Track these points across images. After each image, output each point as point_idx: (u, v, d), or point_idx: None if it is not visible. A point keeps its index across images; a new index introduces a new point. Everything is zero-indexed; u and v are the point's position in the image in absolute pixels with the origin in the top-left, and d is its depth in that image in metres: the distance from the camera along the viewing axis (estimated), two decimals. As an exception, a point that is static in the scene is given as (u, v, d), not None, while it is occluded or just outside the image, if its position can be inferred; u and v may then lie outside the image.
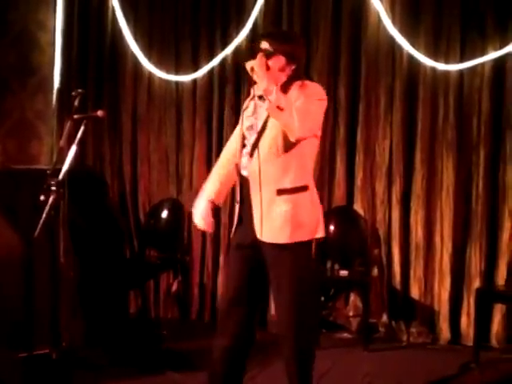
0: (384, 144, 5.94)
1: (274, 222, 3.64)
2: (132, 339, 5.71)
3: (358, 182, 6.00)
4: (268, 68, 3.66)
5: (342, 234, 5.98)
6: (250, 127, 3.79)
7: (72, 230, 5.50)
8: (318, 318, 3.94)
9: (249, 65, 3.66)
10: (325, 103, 3.74)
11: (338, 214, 6.04)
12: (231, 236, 3.96)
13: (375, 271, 5.98)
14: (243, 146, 3.80)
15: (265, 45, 3.71)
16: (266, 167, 3.65)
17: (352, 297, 6.08)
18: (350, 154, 6.04)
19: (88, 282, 5.75)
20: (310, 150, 3.75)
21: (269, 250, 3.69)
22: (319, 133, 3.79)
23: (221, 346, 3.84)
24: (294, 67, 3.73)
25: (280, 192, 3.65)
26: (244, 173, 3.78)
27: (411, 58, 5.83)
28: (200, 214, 3.98)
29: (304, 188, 3.71)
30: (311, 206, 3.74)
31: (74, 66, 6.54)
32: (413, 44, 5.79)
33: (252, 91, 3.79)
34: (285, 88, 3.68)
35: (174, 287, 6.38)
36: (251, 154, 3.72)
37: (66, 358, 4.73)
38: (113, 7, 6.47)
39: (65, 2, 6.54)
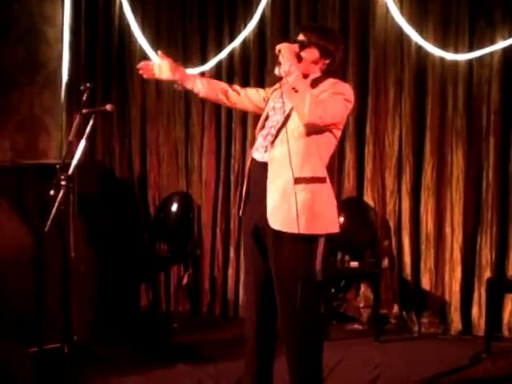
0: (393, 135, 5.92)
1: (290, 210, 3.61)
2: (143, 332, 5.73)
3: (368, 173, 5.99)
4: (301, 59, 3.72)
5: (352, 225, 5.97)
6: (273, 109, 3.83)
7: (84, 224, 5.55)
8: (322, 316, 3.90)
9: (278, 47, 3.68)
10: (349, 105, 3.75)
11: (348, 205, 6.02)
12: (240, 214, 3.94)
13: (385, 262, 5.97)
14: (262, 127, 3.82)
15: (301, 36, 3.77)
16: (287, 154, 3.62)
17: (362, 288, 6.08)
18: (359, 146, 6.03)
19: (99, 275, 5.78)
20: (326, 146, 3.74)
21: (277, 237, 3.66)
22: (338, 133, 3.77)
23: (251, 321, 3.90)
24: (327, 62, 3.77)
25: (298, 181, 3.63)
26: (257, 157, 3.77)
27: (420, 48, 5.81)
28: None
29: (322, 179, 3.71)
30: (328, 198, 3.74)
31: (82, 60, 6.53)
32: (421, 34, 5.77)
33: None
34: (317, 82, 3.73)
35: (185, 280, 6.39)
36: (273, 141, 3.71)
37: (77, 351, 4.76)
38: (120, 1, 6.46)
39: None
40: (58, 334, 4.75)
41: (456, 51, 5.73)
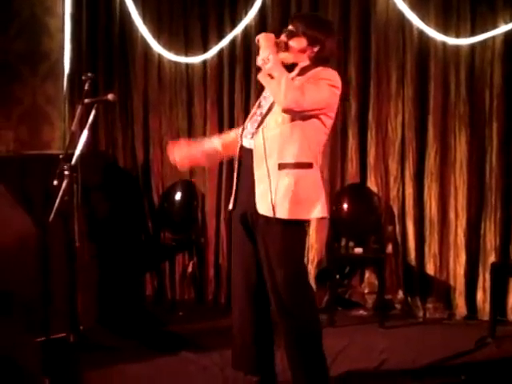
0: (396, 120, 5.91)
1: (274, 196, 3.67)
2: (148, 321, 5.75)
3: (371, 159, 5.98)
4: (288, 47, 3.77)
5: (356, 211, 5.98)
6: (264, 98, 3.91)
7: (89, 214, 5.57)
8: (313, 298, 3.93)
9: (257, 37, 3.76)
10: (336, 90, 3.76)
11: (352, 191, 6.03)
12: (230, 207, 3.97)
13: (390, 248, 5.97)
14: (253, 114, 3.88)
15: (290, 26, 3.82)
16: (271, 140, 3.70)
17: (367, 274, 6.08)
18: (361, 132, 6.01)
19: (104, 265, 5.79)
20: (314, 132, 3.76)
21: (264, 223, 3.73)
22: (327, 119, 3.79)
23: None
24: (315, 50, 3.78)
25: (282, 166, 3.69)
26: (246, 144, 3.83)
27: (421, 32, 5.79)
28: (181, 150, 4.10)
29: (307, 165, 3.74)
30: (313, 184, 3.77)
31: (83, 50, 6.52)
32: (423, 19, 5.74)
33: None
34: (305, 70, 3.79)
35: (190, 268, 6.40)
36: (259, 126, 3.77)
37: (83, 341, 4.78)
38: (120, -10, 6.46)
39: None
40: (64, 323, 4.77)
41: (458, 36, 5.71)
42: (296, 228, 3.75)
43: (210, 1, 6.28)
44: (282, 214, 3.67)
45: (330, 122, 3.82)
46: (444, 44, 5.75)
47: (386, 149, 5.95)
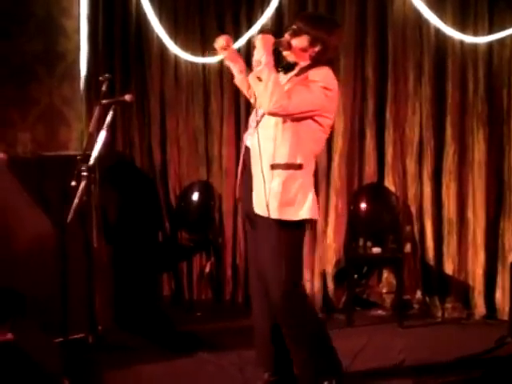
0: (414, 119, 5.89)
1: (266, 195, 3.71)
2: (166, 321, 5.75)
3: (389, 158, 5.95)
4: (290, 46, 3.80)
5: (374, 211, 5.97)
6: None
7: (104, 215, 5.57)
8: (305, 300, 3.95)
9: (254, 38, 3.86)
10: (328, 92, 3.75)
11: (369, 191, 6.01)
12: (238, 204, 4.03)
13: (408, 247, 5.95)
14: (256, 113, 3.91)
15: (294, 25, 3.83)
16: (265, 141, 3.74)
17: (385, 274, 6.06)
18: (379, 131, 5.99)
19: (120, 265, 5.80)
20: (308, 133, 3.78)
21: (260, 222, 3.80)
22: (324, 120, 3.80)
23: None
24: (317, 50, 3.78)
25: (273, 166, 3.73)
26: (248, 143, 3.88)
27: (439, 31, 5.76)
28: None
29: (297, 166, 3.76)
30: (300, 185, 3.78)
31: (100, 51, 6.52)
32: (440, 17, 5.71)
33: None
34: (304, 70, 3.80)
35: (207, 269, 6.41)
36: (256, 126, 3.81)
37: (101, 341, 4.79)
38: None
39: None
40: (82, 324, 4.78)
41: (476, 34, 5.67)
42: (290, 228, 3.77)
43: (226, 1, 6.27)
44: (274, 214, 3.72)
45: (328, 122, 3.83)
46: (461, 42, 5.71)
47: (404, 148, 5.92)
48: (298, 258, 3.96)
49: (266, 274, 3.83)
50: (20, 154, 5.98)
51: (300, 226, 3.85)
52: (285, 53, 3.84)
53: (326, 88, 3.73)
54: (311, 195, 3.81)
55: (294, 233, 3.82)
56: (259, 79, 3.70)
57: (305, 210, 3.77)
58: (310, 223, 3.93)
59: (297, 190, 3.75)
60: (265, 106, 3.66)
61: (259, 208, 3.77)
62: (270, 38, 3.73)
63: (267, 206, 3.70)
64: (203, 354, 4.88)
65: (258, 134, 3.75)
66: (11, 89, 6.26)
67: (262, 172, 3.73)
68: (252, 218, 3.86)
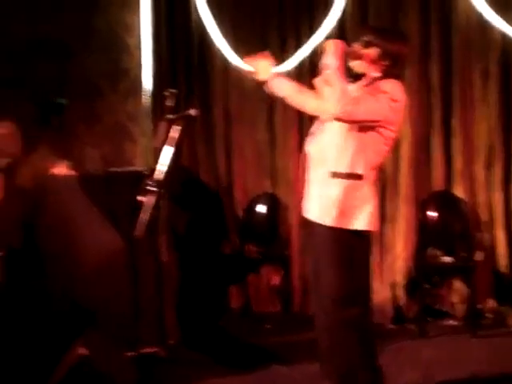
0: (481, 125, 5.81)
1: (323, 202, 3.70)
2: (235, 334, 5.75)
3: (457, 165, 5.88)
4: (360, 56, 3.79)
5: (443, 219, 5.90)
6: None
7: (172, 229, 5.60)
8: (365, 318, 3.85)
9: (325, 43, 3.79)
10: (393, 104, 3.70)
11: (438, 198, 5.95)
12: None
13: (479, 256, 5.85)
14: (319, 120, 3.89)
15: (365, 37, 3.83)
16: (327, 148, 3.73)
17: (456, 283, 5.96)
18: (446, 138, 5.93)
19: (187, 278, 5.83)
20: (371, 144, 3.73)
21: (314, 229, 3.77)
22: (387, 132, 3.74)
23: None
24: (386, 63, 3.77)
25: (334, 175, 3.71)
26: (308, 149, 3.86)
27: (505, 35, 5.68)
28: None
29: (358, 176, 3.72)
30: (362, 196, 3.73)
31: (164, 67, 6.58)
32: (506, 21, 5.63)
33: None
34: (373, 81, 3.77)
35: (276, 281, 6.39)
36: (318, 133, 3.81)
37: (172, 355, 4.81)
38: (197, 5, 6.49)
39: (152, 5, 6.57)
40: (153, 338, 4.81)
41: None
42: (344, 239, 3.71)
43: (287, 12, 6.27)
44: (328, 221, 3.69)
45: (390, 135, 3.78)
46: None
47: (472, 155, 5.85)
48: (353, 272, 3.76)
49: (318, 289, 3.79)
50: (90, 170, 6.05)
51: (356, 237, 3.75)
52: (352, 63, 3.82)
53: (392, 99, 3.71)
54: (370, 207, 3.76)
55: (348, 244, 3.73)
56: (326, 83, 3.69)
57: (361, 220, 3.73)
58: (368, 236, 3.84)
59: (355, 200, 3.71)
60: (331, 110, 3.64)
61: (315, 214, 3.76)
62: (342, 45, 3.74)
63: (322, 212, 3.70)
64: (276, 367, 4.85)
65: (320, 141, 3.76)
66: (79, 106, 6.35)
67: (321, 179, 3.72)
68: (307, 225, 3.84)
